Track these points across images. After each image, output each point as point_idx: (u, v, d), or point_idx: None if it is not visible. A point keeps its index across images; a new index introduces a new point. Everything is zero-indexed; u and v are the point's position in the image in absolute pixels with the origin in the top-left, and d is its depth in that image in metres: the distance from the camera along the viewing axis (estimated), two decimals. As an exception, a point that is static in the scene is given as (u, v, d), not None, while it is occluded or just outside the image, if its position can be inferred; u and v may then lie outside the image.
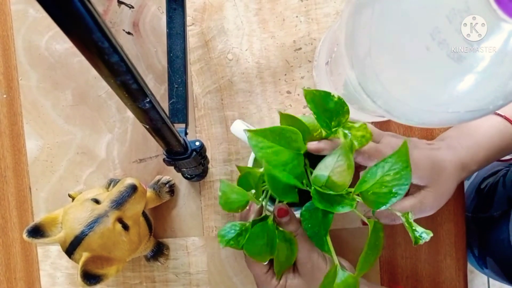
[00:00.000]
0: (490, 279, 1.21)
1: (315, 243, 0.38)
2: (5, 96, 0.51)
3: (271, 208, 0.39)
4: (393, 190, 0.33)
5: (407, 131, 0.48)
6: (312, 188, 0.35)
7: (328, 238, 0.37)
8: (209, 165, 0.50)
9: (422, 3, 0.25)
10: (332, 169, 0.34)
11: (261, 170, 0.36)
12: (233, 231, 0.37)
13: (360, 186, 0.34)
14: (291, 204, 0.38)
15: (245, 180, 0.37)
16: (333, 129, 0.36)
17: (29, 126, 0.51)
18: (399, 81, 0.28)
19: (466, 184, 0.62)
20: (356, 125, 0.35)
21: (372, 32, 0.27)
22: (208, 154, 0.49)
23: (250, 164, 0.43)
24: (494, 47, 0.23)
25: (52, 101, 0.51)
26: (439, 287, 0.49)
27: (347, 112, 0.35)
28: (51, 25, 0.49)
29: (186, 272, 0.51)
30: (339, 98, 0.34)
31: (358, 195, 0.35)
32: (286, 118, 0.36)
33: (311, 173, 0.36)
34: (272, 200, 0.39)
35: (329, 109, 0.34)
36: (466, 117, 0.28)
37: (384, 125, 0.48)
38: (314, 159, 0.37)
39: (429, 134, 0.48)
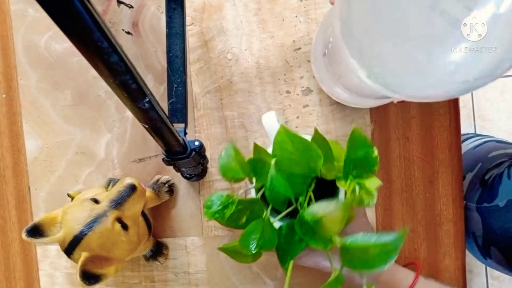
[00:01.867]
0: (490, 279, 1.21)
1: (279, 257, 0.36)
2: (4, 96, 0.51)
3: (273, 219, 0.36)
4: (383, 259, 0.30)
5: (407, 131, 0.48)
6: (301, 211, 0.34)
7: (292, 262, 0.35)
8: (208, 165, 0.50)
9: None
10: (328, 213, 0.32)
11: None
12: (219, 202, 0.34)
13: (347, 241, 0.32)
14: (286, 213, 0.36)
15: (254, 163, 0.35)
16: (350, 179, 0.33)
17: (28, 126, 0.51)
18: (403, 57, 0.28)
19: (469, 176, 0.62)
20: (371, 180, 0.32)
21: (369, 12, 0.27)
22: (208, 153, 0.49)
23: (252, 192, 0.40)
24: (492, 11, 0.23)
25: (51, 101, 0.51)
26: (438, 287, 0.50)
27: (373, 171, 0.32)
28: (51, 25, 0.49)
29: (185, 272, 0.51)
30: (376, 157, 0.32)
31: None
32: (318, 137, 0.33)
33: (310, 198, 0.35)
34: (275, 211, 0.36)
35: (361, 160, 0.32)
36: (476, 85, 0.28)
37: (384, 127, 0.48)
38: (321, 188, 0.35)
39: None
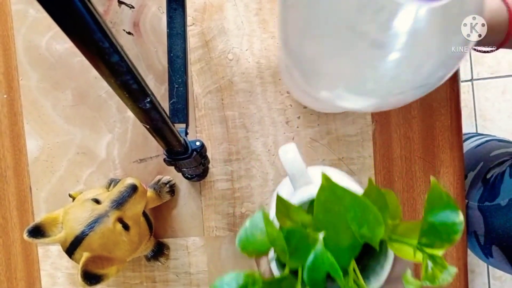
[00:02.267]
0: (492, 279, 1.21)
1: None
2: (5, 96, 0.51)
3: (277, 272, 0.30)
4: None
5: (408, 131, 0.48)
6: None
7: None
8: (210, 165, 0.50)
9: (334, 1, 0.25)
10: None
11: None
12: (235, 285, 0.26)
13: None
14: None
15: (289, 235, 0.25)
16: (424, 251, 0.25)
17: (29, 126, 0.51)
18: (337, 74, 0.29)
19: (471, 175, 0.62)
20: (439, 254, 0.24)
21: (303, 33, 0.28)
22: (209, 154, 0.49)
23: (272, 207, 0.31)
24: (407, 28, 0.23)
25: (52, 101, 0.51)
26: (439, 287, 0.49)
27: (451, 241, 0.24)
28: (52, 25, 0.49)
29: (186, 272, 0.51)
30: (461, 223, 0.24)
31: None
32: (373, 191, 0.24)
33: (354, 271, 0.26)
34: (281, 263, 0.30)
35: (437, 226, 0.24)
36: (416, 93, 0.28)
37: (385, 127, 0.48)
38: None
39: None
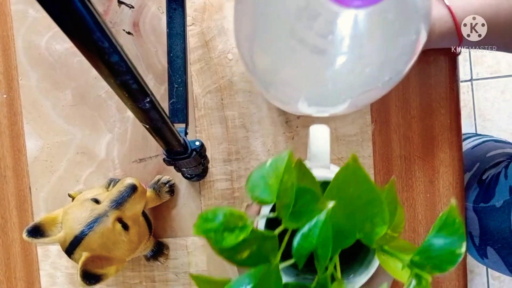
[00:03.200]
0: (491, 279, 1.21)
1: None
2: (5, 96, 0.51)
3: (288, 279, 0.28)
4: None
5: (408, 131, 0.48)
6: (322, 277, 0.24)
7: None
8: (209, 165, 0.50)
9: (274, 8, 0.25)
10: None
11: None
12: (221, 217, 0.24)
13: None
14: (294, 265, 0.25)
15: (300, 193, 0.24)
16: (414, 270, 0.23)
17: (29, 126, 0.51)
18: (284, 78, 0.29)
19: (467, 176, 0.62)
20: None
21: (249, 43, 0.28)
22: (208, 154, 0.49)
23: (260, 222, 0.30)
24: (347, 33, 0.23)
25: (52, 101, 0.51)
26: (438, 287, 0.49)
27: (444, 270, 0.22)
28: (51, 25, 0.49)
29: (186, 272, 0.51)
30: (461, 254, 0.22)
31: None
32: (391, 192, 0.24)
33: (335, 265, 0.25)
34: (294, 268, 0.27)
35: (436, 250, 0.23)
36: (363, 99, 0.28)
37: (385, 127, 0.48)
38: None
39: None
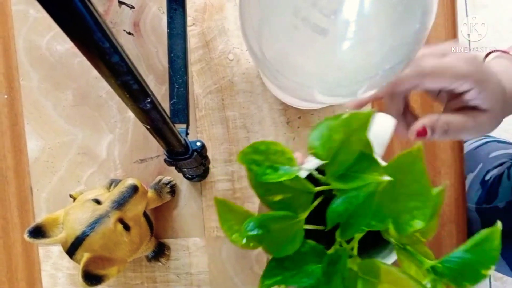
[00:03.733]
0: (493, 280, 1.20)
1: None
2: (6, 96, 0.51)
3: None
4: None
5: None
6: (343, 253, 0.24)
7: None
8: (210, 166, 0.50)
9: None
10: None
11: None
12: (267, 153, 0.23)
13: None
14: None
15: (361, 159, 0.23)
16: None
17: (30, 126, 0.51)
18: (288, 63, 0.28)
19: (470, 176, 0.62)
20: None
21: (254, 25, 0.27)
22: (209, 154, 0.48)
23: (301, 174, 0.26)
24: (350, 14, 0.23)
25: (53, 101, 0.51)
26: None
27: None
28: (52, 26, 0.49)
29: (187, 273, 0.51)
30: None
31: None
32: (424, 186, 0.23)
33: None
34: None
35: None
36: (371, 85, 0.27)
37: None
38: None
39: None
